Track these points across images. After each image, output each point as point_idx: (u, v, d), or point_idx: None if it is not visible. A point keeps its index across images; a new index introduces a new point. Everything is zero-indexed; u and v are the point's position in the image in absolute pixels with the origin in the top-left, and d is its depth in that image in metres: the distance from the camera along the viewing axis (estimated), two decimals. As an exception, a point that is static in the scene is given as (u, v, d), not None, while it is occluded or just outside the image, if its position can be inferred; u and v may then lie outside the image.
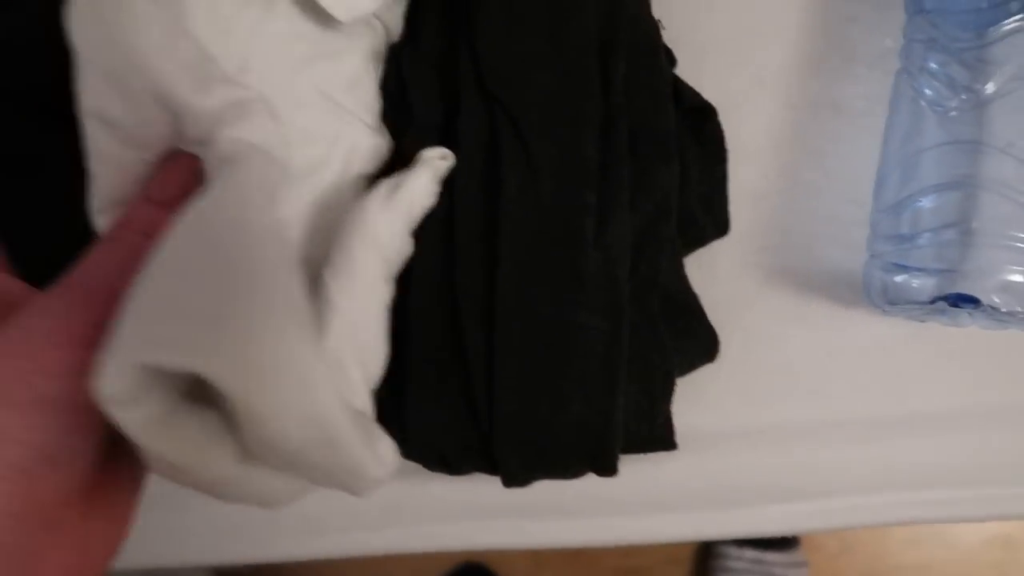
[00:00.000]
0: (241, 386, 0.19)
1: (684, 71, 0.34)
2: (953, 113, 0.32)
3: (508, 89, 0.29)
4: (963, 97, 0.31)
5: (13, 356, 0.21)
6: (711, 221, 0.34)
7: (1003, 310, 0.28)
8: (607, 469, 0.30)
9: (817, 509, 0.35)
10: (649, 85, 0.30)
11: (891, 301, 0.31)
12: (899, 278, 0.32)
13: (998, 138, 0.31)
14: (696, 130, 0.33)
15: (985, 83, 0.31)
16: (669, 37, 0.33)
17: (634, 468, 0.33)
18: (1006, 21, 0.31)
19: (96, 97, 0.23)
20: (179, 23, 0.23)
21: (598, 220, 0.29)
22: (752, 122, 0.36)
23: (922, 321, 0.33)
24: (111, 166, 0.25)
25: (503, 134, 0.29)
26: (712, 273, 0.35)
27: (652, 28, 0.32)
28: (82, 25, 0.23)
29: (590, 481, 0.31)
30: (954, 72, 0.32)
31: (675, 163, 0.30)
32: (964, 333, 0.34)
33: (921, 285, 0.31)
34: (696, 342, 0.33)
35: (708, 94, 0.34)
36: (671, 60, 0.33)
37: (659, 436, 0.32)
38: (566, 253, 0.28)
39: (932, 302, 0.30)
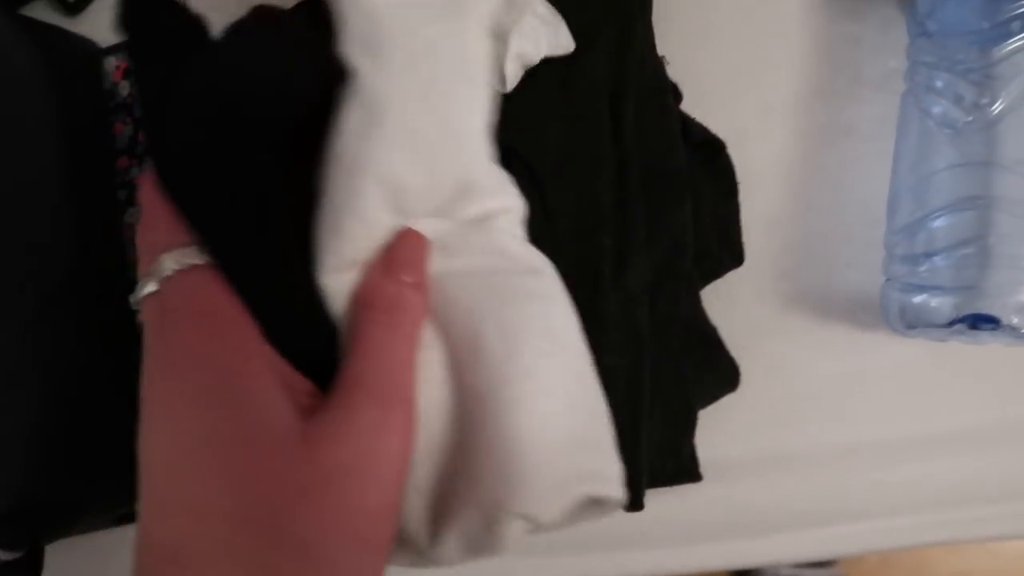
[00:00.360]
0: None
1: (691, 105, 0.34)
2: (962, 131, 0.32)
3: (522, 136, 0.30)
4: (971, 115, 0.32)
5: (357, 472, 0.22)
6: (726, 252, 0.34)
7: (1023, 330, 0.28)
8: (634, 504, 0.30)
9: (849, 533, 0.35)
10: (659, 124, 0.31)
11: (910, 324, 0.31)
12: (917, 299, 0.32)
13: (1009, 155, 0.31)
14: (707, 164, 0.33)
15: (993, 100, 0.31)
16: (674, 72, 0.34)
17: (663, 499, 0.33)
18: (1010, 40, 0.31)
19: (398, 164, 0.23)
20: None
21: (616, 261, 0.29)
22: (762, 150, 0.36)
23: (943, 341, 0.33)
24: (368, 227, 0.24)
25: (518, 181, 0.29)
26: (731, 302, 0.35)
27: (659, 67, 0.32)
28: (407, 102, 0.23)
29: (618, 515, 0.32)
30: (961, 90, 0.32)
31: (688, 200, 0.31)
32: (987, 349, 0.33)
33: (939, 306, 0.31)
34: (717, 373, 0.34)
35: (716, 126, 0.34)
36: (677, 96, 0.34)
37: (684, 469, 0.32)
38: (586, 297, 0.29)
39: (951, 324, 0.30)
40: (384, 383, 0.23)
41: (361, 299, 0.24)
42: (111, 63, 0.43)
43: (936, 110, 0.32)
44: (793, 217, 0.36)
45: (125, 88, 0.43)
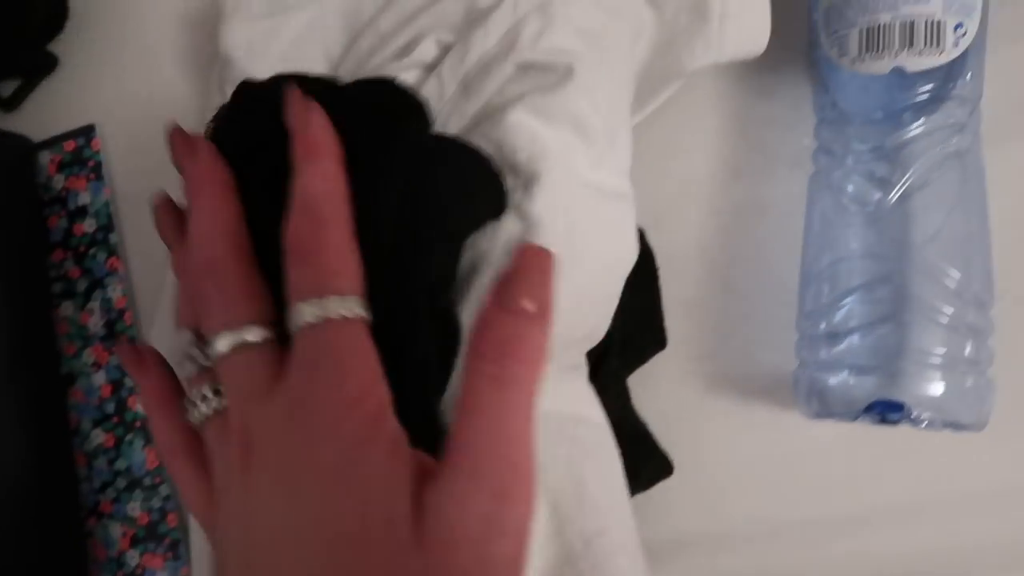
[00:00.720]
0: None
1: (605, 192, 0.35)
2: (872, 210, 0.32)
3: None
4: (881, 192, 0.32)
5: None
6: (650, 338, 0.35)
7: (925, 424, 0.28)
8: None
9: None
10: None
11: (818, 411, 0.31)
12: (830, 382, 0.32)
13: (920, 233, 0.31)
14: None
15: (902, 177, 0.31)
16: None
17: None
18: (912, 125, 0.31)
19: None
20: None
21: None
22: (680, 232, 0.37)
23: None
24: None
25: None
26: (655, 386, 0.35)
27: None
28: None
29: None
30: (871, 168, 0.32)
31: None
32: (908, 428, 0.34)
33: (849, 390, 0.31)
34: (653, 463, 0.34)
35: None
36: None
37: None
38: None
39: (860, 411, 0.30)
40: (496, 464, 0.20)
41: (472, 340, 0.21)
42: (46, 157, 0.43)
43: (847, 188, 0.33)
44: (712, 298, 0.36)
45: (60, 181, 0.43)
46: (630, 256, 0.30)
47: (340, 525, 0.20)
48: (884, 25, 0.31)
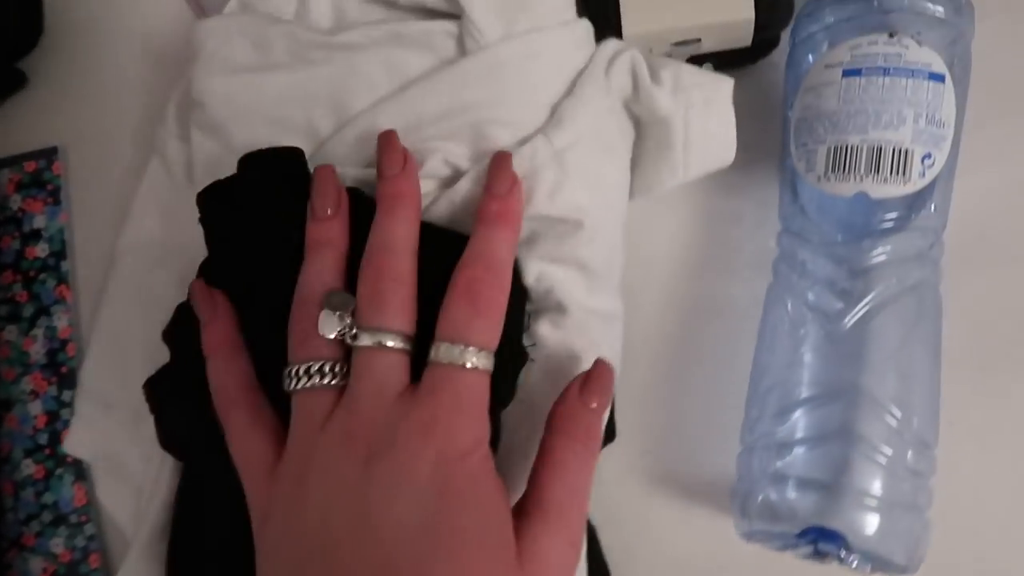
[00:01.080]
0: None
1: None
2: (825, 331, 0.31)
3: None
4: (834, 315, 0.31)
5: None
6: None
7: (855, 564, 0.28)
8: None
9: None
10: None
11: (749, 534, 0.30)
12: (772, 497, 0.31)
13: (869, 365, 0.30)
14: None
15: (857, 303, 0.31)
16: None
17: None
18: (866, 255, 0.31)
19: None
20: None
21: None
22: (638, 322, 0.36)
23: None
24: None
25: None
26: (599, 478, 0.34)
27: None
28: None
29: None
30: (830, 287, 0.32)
31: None
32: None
33: (787, 508, 0.30)
34: (592, 566, 0.33)
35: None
36: None
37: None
38: None
39: (789, 544, 0.29)
40: (576, 518, 0.26)
41: (558, 424, 0.27)
42: (5, 175, 0.43)
43: (802, 305, 0.32)
44: (663, 393, 0.36)
45: (16, 202, 0.42)
46: (618, 366, 0.32)
47: (463, 534, 0.24)
48: (852, 147, 0.31)
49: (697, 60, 0.36)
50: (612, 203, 0.32)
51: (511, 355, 0.28)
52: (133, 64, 0.41)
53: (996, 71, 0.35)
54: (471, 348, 0.25)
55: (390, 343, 0.26)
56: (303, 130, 0.31)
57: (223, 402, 0.27)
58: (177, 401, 0.30)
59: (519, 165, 0.29)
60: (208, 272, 0.30)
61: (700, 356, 0.36)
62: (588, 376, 0.27)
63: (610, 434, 0.35)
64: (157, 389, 0.30)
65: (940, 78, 0.30)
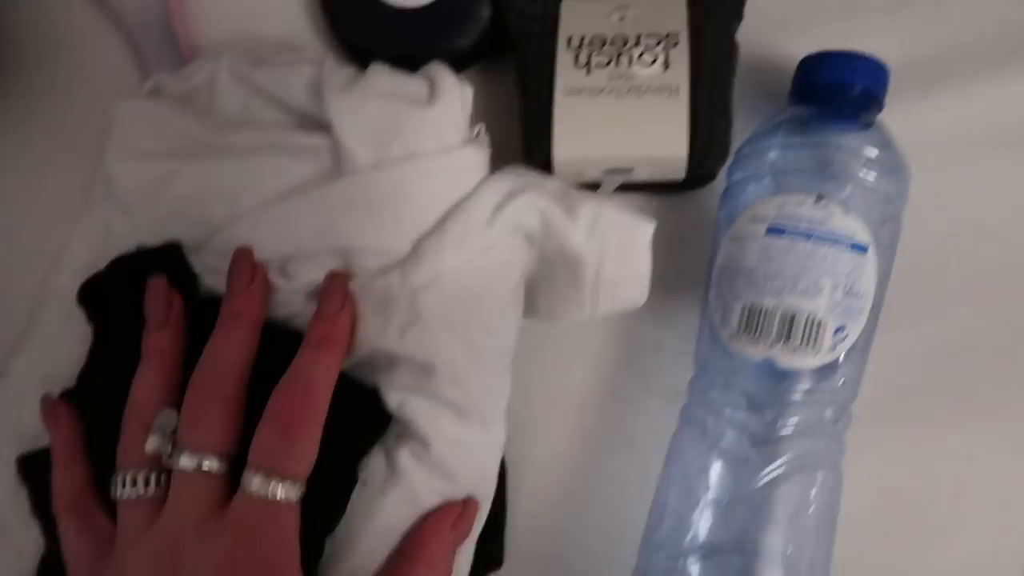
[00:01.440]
0: None
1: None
2: (723, 496, 0.30)
3: None
4: (733, 480, 0.30)
5: None
6: (484, 554, 0.33)
7: None
8: None
9: None
10: None
11: None
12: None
13: (764, 539, 0.29)
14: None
15: (757, 472, 0.30)
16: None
17: None
18: (771, 424, 0.30)
19: None
20: None
21: None
22: (543, 445, 0.35)
23: None
24: None
25: None
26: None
27: None
28: None
29: None
30: (732, 449, 0.31)
31: None
32: None
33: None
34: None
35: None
36: None
37: None
38: None
39: None
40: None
41: (408, 550, 0.29)
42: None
43: (703, 460, 0.31)
44: (561, 527, 0.35)
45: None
46: (490, 491, 0.31)
47: None
48: (766, 310, 0.30)
49: (631, 187, 0.35)
50: (480, 345, 0.30)
51: (338, 482, 0.28)
52: (86, 111, 0.40)
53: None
54: (277, 479, 0.26)
55: (205, 465, 0.26)
56: (197, 221, 0.31)
57: (59, 506, 0.29)
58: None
59: (373, 295, 0.29)
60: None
61: (602, 489, 0.35)
62: (445, 510, 0.29)
63: (495, 561, 0.34)
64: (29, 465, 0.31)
65: (863, 248, 0.30)
